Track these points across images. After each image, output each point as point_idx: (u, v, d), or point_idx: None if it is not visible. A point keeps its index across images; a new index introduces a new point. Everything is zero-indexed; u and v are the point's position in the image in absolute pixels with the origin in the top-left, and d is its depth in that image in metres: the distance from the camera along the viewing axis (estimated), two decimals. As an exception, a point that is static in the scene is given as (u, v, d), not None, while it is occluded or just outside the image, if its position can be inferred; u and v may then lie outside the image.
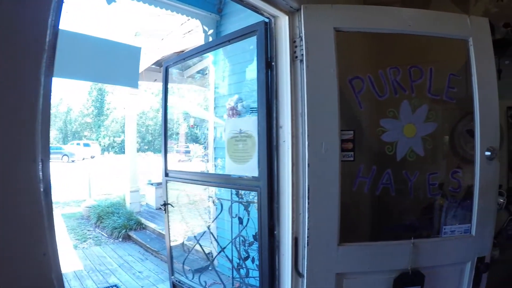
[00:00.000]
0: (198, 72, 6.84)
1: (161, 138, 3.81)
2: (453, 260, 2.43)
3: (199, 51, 3.22)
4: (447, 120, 2.60)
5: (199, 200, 5.16)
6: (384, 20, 2.31)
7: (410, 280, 2.31)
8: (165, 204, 3.56)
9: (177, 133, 7.62)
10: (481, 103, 2.39)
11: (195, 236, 4.15)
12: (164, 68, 3.61)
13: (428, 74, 2.39)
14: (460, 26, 2.41)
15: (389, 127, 2.37)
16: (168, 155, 3.60)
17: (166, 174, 3.55)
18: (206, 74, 5.46)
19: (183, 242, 4.11)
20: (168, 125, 3.70)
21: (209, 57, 5.05)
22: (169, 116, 3.71)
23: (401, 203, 2.50)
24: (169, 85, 3.68)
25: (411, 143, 2.40)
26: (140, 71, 6.59)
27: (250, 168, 2.48)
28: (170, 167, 3.56)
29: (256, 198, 2.49)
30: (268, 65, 2.39)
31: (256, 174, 2.44)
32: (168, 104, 3.58)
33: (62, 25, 1.22)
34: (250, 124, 2.51)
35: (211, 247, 4.58)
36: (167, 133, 3.61)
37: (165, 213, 3.62)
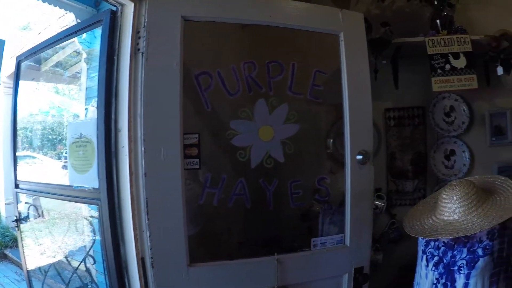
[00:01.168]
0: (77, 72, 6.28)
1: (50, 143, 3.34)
2: (327, 274, 2.24)
3: (49, 44, 2.80)
4: (314, 121, 2.39)
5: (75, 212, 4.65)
6: (241, 10, 2.06)
7: (278, 299, 2.03)
8: (17, 220, 3.07)
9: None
10: (352, 103, 2.23)
11: (68, 253, 3.67)
12: (16, 63, 3.12)
13: (289, 70, 2.16)
14: (330, 20, 2.24)
15: (241, 129, 2.09)
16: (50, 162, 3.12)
17: (16, 186, 3.06)
18: (80, 73, 4.96)
19: (62, 259, 3.63)
20: (58, 129, 3.23)
21: (83, 54, 4.55)
22: (58, 119, 3.24)
23: (260, 216, 2.24)
24: (59, 86, 3.22)
25: (268, 147, 2.14)
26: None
27: (91, 178, 2.10)
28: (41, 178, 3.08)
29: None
30: (109, 59, 2.01)
31: (96, 185, 2.07)
32: (18, 104, 3.11)
33: None
34: (91, 127, 2.13)
35: (88, 263, 4.11)
36: (17, 137, 3.12)
37: (18, 230, 3.13)
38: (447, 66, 2.53)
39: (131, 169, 1.86)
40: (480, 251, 1.55)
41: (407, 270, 2.57)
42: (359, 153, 2.22)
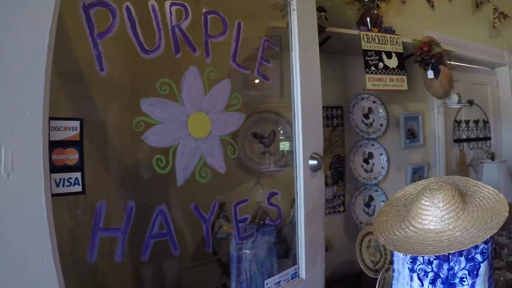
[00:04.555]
0: None
1: None
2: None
3: None
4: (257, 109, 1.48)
5: None
6: None
7: None
8: None
9: None
10: (304, 91, 1.38)
11: None
12: None
13: (234, 30, 1.19)
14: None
15: (161, 115, 1.01)
16: None
17: None
18: None
19: None
20: None
21: None
22: None
23: (194, 267, 1.16)
24: None
25: (202, 149, 1.09)
26: None
27: None
28: None
29: None
30: None
31: None
32: None
33: None
34: None
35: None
36: None
37: None
38: (381, 64, 2.07)
39: None
40: (479, 257, 1.23)
41: (333, 282, 2.11)
42: (312, 157, 1.39)
